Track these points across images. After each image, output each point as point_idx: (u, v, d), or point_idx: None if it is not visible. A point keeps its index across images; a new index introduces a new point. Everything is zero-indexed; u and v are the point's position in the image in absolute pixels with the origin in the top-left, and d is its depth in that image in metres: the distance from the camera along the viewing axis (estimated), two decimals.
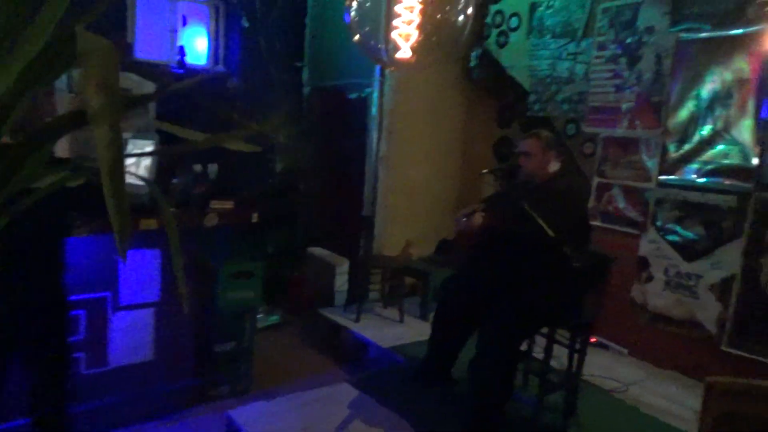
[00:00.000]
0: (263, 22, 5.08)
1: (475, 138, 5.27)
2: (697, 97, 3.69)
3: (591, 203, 4.12)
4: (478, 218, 2.93)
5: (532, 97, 4.72)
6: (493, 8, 4.96)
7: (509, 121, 5.05)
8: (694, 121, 3.71)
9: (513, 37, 4.85)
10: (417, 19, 2.30)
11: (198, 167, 3.40)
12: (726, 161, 3.56)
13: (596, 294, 3.18)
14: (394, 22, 2.30)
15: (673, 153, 3.81)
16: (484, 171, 3.45)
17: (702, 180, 3.66)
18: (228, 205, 3.19)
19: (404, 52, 2.33)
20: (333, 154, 5.38)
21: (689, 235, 3.72)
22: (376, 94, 4.75)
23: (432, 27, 2.29)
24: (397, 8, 2.29)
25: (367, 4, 2.32)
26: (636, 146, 4.01)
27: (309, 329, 4.49)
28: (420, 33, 2.28)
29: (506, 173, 3.50)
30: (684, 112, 3.76)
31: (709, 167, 3.64)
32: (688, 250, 3.73)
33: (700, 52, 3.68)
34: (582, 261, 2.93)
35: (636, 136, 4.01)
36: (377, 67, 4.58)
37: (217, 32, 5.01)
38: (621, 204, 4.10)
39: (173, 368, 3.18)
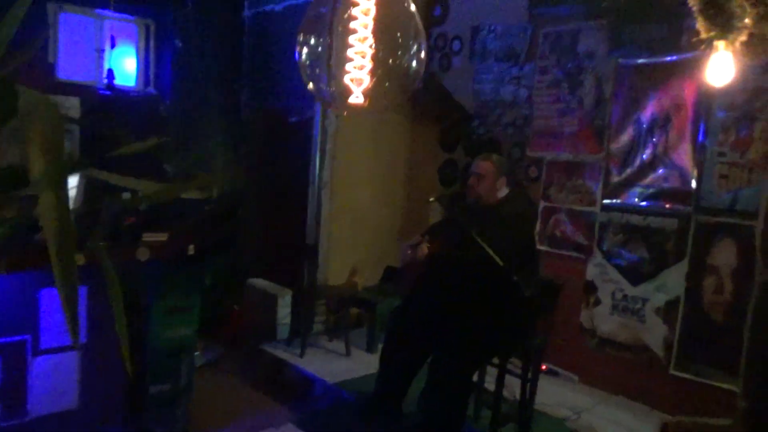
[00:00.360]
0: (198, 42, 4.88)
1: (420, 161, 5.21)
2: (637, 121, 3.75)
3: (537, 228, 4.12)
4: (424, 249, 2.89)
5: (476, 121, 4.70)
6: (436, 31, 4.95)
7: (453, 144, 5.02)
8: (635, 145, 3.77)
9: (456, 60, 4.84)
10: (369, 64, 2.24)
11: (127, 195, 3.17)
12: (666, 185, 3.62)
13: (546, 321, 3.15)
14: (346, 67, 2.23)
15: (616, 177, 3.85)
16: (432, 199, 3.40)
17: (644, 203, 3.71)
18: (161, 237, 2.98)
19: (356, 97, 2.25)
20: (274, 180, 5.21)
21: (634, 258, 3.75)
22: (318, 117, 4.63)
23: (384, 72, 2.23)
24: (349, 53, 2.23)
25: (319, 49, 2.24)
26: (580, 170, 4.03)
27: (250, 366, 4.27)
28: (372, 78, 2.21)
29: (453, 199, 3.45)
30: (625, 137, 3.81)
31: (651, 191, 3.69)
32: (634, 274, 3.75)
33: (638, 77, 3.75)
34: (531, 288, 2.89)
35: (579, 160, 4.03)
36: None
37: (147, 52, 4.78)
38: (567, 228, 4.11)
39: (102, 415, 2.94)
